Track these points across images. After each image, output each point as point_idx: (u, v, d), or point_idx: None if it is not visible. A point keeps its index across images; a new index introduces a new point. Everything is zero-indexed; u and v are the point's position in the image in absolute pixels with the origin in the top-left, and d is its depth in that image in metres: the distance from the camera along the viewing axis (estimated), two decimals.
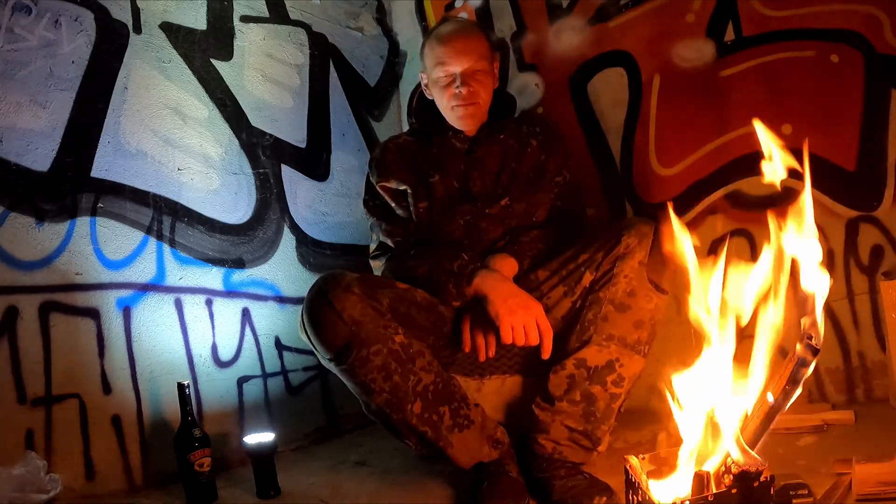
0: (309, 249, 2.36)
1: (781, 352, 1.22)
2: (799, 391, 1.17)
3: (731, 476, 1.14)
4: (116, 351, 1.87)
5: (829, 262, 1.85)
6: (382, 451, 2.02)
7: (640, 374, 1.70)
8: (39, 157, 1.77)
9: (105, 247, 1.88)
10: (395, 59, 2.70)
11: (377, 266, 1.94)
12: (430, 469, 1.78)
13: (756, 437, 1.19)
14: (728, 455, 1.17)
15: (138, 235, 1.95)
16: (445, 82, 1.87)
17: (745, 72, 2.01)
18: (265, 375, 2.21)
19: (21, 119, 1.75)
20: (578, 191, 2.00)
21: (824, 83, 1.91)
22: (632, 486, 1.27)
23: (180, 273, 2.03)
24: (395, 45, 2.70)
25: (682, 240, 1.31)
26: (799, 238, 1.21)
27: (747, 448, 1.16)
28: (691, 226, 2.10)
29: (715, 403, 1.23)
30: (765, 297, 1.24)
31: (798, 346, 1.16)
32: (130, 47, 1.96)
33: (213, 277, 2.10)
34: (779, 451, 1.57)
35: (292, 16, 2.39)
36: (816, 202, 1.63)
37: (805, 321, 1.18)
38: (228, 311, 2.14)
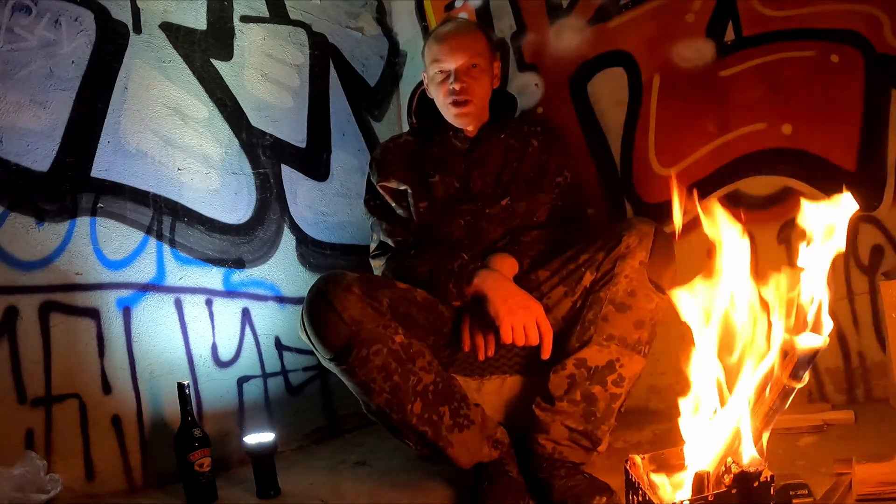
0: (309, 249, 2.36)
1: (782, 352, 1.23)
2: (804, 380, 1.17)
3: (731, 476, 1.14)
4: (116, 351, 1.87)
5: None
6: (382, 451, 2.02)
7: (640, 375, 1.70)
8: (39, 157, 1.78)
9: (105, 247, 1.88)
10: (395, 59, 2.70)
11: (377, 266, 1.94)
12: (430, 469, 1.78)
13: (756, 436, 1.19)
14: (728, 455, 1.17)
15: (138, 235, 1.95)
16: (440, 79, 1.88)
17: (745, 72, 2.01)
18: (265, 375, 2.21)
19: (21, 119, 1.75)
20: (579, 191, 2.00)
21: (824, 83, 1.91)
22: (632, 486, 1.27)
23: (180, 273, 2.03)
24: (395, 45, 2.70)
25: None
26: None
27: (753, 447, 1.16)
28: (691, 226, 2.09)
29: (717, 404, 1.23)
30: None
31: (798, 346, 1.16)
32: (130, 47, 1.96)
33: (213, 277, 2.10)
34: (779, 451, 1.57)
35: (292, 16, 2.39)
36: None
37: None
38: (228, 311, 2.14)
